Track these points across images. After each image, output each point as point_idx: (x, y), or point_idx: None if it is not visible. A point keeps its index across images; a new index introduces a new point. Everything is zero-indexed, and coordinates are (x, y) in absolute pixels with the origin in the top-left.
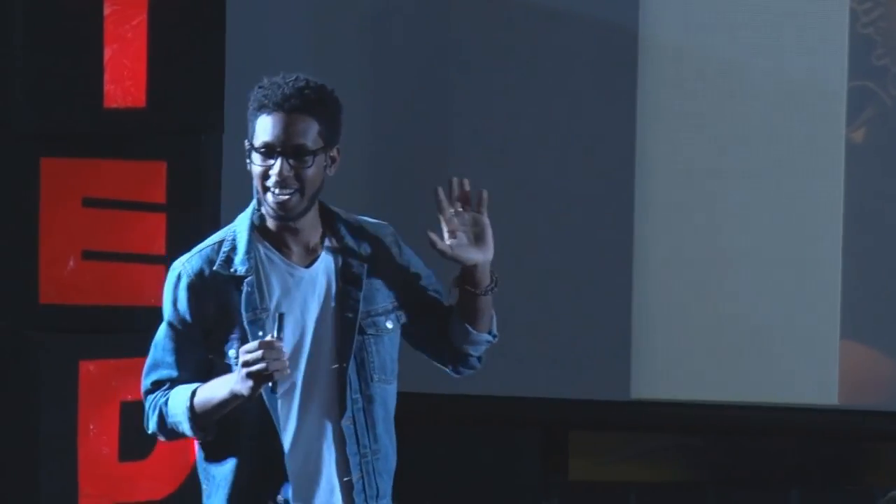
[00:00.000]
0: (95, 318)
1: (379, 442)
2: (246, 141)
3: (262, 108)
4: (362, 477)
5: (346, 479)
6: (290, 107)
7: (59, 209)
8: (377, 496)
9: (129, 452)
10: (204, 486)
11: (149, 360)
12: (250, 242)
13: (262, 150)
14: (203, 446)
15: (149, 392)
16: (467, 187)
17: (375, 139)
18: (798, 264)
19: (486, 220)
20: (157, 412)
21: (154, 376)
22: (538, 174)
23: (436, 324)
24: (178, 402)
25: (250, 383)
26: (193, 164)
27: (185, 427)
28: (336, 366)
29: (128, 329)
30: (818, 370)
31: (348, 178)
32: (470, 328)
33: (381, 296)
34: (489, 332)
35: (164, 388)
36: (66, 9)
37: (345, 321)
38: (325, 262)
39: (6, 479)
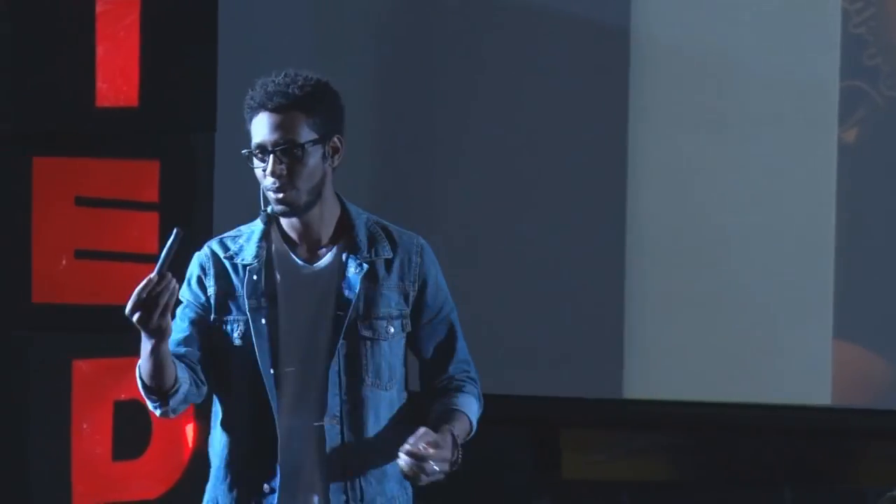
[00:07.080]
0: (88, 316)
1: (367, 446)
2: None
3: (250, 111)
4: (344, 479)
5: (326, 479)
6: (275, 105)
7: (52, 208)
8: (361, 499)
9: (123, 451)
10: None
11: None
12: (263, 236)
13: (257, 151)
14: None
15: None
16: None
17: (373, 140)
18: (791, 264)
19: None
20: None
21: None
22: (531, 173)
23: (420, 364)
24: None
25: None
26: (186, 163)
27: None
28: (326, 364)
29: (120, 328)
30: (811, 369)
31: (347, 177)
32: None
33: (387, 301)
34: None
35: None
36: (58, 7)
37: (337, 320)
38: (331, 260)
39: None
